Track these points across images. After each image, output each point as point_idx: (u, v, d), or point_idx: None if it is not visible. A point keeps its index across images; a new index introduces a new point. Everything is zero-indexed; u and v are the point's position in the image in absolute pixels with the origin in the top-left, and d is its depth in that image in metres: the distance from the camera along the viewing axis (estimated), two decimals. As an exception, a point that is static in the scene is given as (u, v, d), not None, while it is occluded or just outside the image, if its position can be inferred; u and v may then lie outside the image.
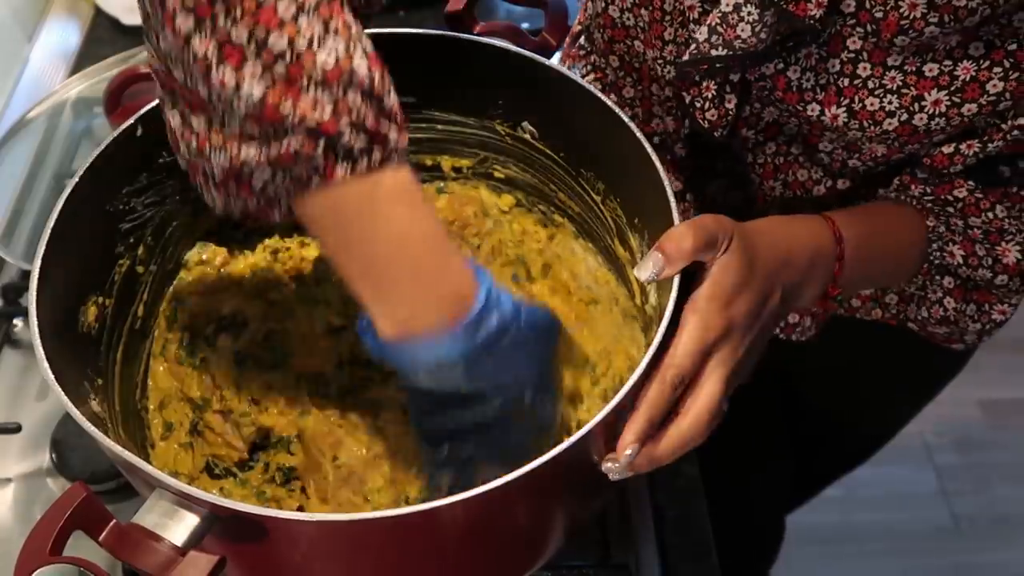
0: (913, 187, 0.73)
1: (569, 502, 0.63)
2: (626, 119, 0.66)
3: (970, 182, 0.71)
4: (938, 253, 0.75)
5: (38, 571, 0.47)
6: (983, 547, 1.84)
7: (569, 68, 0.87)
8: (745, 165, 0.81)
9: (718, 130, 0.73)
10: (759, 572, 1.43)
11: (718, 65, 0.69)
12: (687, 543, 0.85)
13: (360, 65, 0.47)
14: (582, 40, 0.84)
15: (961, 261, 0.74)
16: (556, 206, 0.80)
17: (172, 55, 0.48)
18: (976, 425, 2.00)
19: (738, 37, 0.66)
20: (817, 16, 0.63)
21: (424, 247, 0.52)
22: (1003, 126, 0.66)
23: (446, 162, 0.82)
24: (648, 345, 0.56)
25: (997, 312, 0.77)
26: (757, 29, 0.65)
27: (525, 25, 0.81)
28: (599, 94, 0.68)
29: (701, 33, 0.68)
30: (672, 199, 0.62)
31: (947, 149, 0.69)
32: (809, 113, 0.69)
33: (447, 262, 0.53)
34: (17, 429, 0.88)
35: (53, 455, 0.87)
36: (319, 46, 0.46)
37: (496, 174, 0.81)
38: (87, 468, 0.84)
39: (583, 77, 0.85)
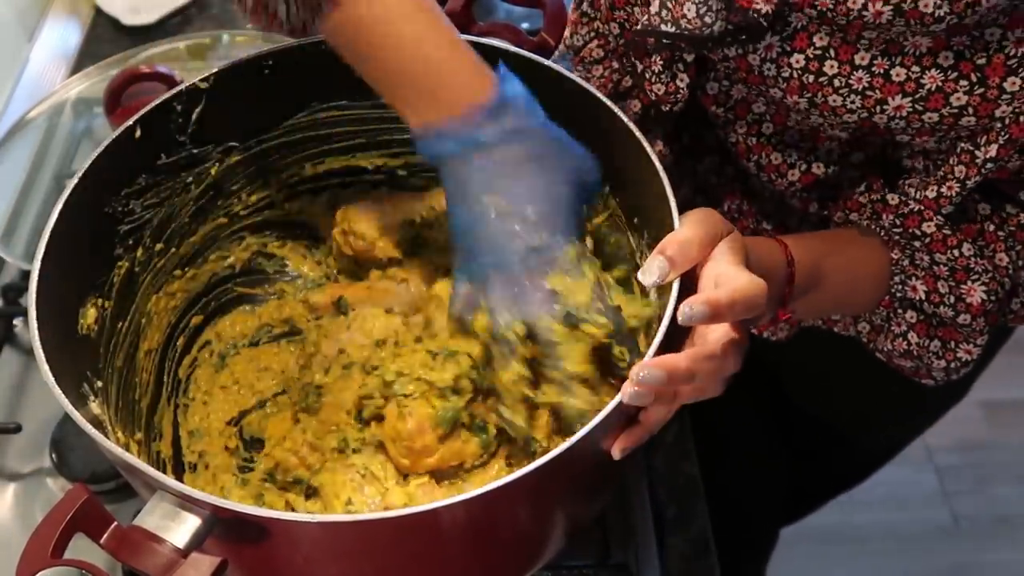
0: (884, 216, 0.72)
1: (570, 503, 0.63)
2: (626, 120, 0.66)
3: (939, 217, 0.70)
4: (900, 287, 0.73)
5: (40, 574, 0.47)
6: (983, 547, 1.84)
7: (571, 34, 0.87)
8: (724, 144, 0.80)
9: (666, 105, 0.73)
10: (753, 573, 1.43)
11: (665, 41, 0.69)
12: (687, 543, 0.85)
13: None
14: (585, 6, 0.83)
15: (923, 296, 0.72)
16: (556, 206, 0.79)
17: None
18: (976, 425, 1.99)
19: (684, 16, 0.66)
20: (764, 12, 0.62)
21: (438, 55, 0.62)
22: (976, 154, 0.65)
23: (446, 162, 0.81)
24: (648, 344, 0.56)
25: (963, 351, 0.73)
26: (702, 12, 0.65)
27: (524, 25, 0.81)
28: (599, 94, 0.68)
29: (655, 5, 0.68)
30: (672, 199, 0.61)
31: (931, 193, 0.69)
32: (772, 94, 0.69)
33: (460, 67, 0.63)
34: (17, 429, 0.88)
35: (53, 455, 0.87)
36: None
37: (496, 174, 0.80)
38: (87, 468, 0.84)
39: (586, 44, 0.84)
